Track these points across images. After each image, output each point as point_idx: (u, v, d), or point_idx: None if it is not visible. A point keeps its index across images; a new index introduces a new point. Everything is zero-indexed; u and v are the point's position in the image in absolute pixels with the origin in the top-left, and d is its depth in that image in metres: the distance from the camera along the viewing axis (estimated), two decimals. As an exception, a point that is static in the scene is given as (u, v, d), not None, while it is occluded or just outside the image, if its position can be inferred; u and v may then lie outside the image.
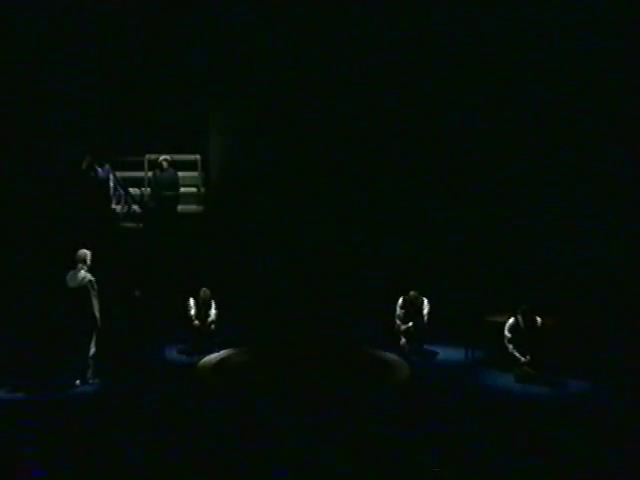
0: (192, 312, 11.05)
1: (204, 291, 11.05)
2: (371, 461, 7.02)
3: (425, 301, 10.81)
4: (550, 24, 11.78)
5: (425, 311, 10.75)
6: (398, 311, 10.87)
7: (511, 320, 9.59)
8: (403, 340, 10.69)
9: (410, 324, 10.71)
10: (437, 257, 12.30)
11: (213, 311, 11.02)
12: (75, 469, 6.85)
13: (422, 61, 12.56)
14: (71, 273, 9.35)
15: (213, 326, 10.96)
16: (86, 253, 9.38)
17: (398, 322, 10.81)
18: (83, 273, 9.27)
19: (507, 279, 11.40)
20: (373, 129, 12.92)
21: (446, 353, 10.79)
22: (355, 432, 7.78)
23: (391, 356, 10.46)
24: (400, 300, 10.88)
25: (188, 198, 13.31)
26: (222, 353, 10.65)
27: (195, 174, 13.56)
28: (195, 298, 11.08)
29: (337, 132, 12.92)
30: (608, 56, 11.34)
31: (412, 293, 10.83)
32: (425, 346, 10.80)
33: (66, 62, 12.42)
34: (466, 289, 11.52)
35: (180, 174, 13.03)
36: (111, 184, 12.40)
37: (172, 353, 10.84)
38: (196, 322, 10.91)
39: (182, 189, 13.06)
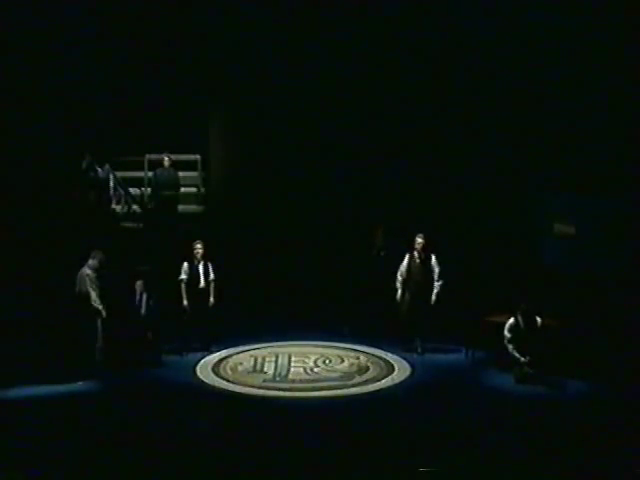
0: (183, 277, 10.44)
1: (198, 248, 10.43)
2: (371, 461, 7.03)
3: (434, 258, 10.40)
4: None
5: (436, 270, 10.34)
6: (402, 269, 10.46)
7: (511, 320, 9.56)
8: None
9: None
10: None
11: (212, 275, 10.56)
12: (75, 469, 6.86)
13: (421, 64, 12.57)
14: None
15: (212, 299, 10.52)
16: (98, 252, 9.59)
17: (400, 278, 10.49)
18: (85, 269, 9.47)
19: (507, 279, 11.39)
20: (373, 129, 12.92)
21: (446, 353, 10.77)
22: (356, 432, 7.78)
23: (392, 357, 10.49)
24: (406, 259, 10.49)
25: (188, 198, 13.31)
26: (222, 353, 10.64)
27: (195, 174, 13.56)
28: (190, 261, 10.56)
29: (337, 132, 12.91)
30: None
31: (420, 240, 10.38)
32: (425, 345, 10.70)
33: (66, 62, 12.41)
34: (466, 289, 11.49)
35: (180, 174, 13.03)
36: (111, 184, 12.40)
37: (170, 355, 10.71)
38: (185, 303, 10.44)
39: (182, 189, 13.06)
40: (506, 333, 9.52)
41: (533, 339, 9.39)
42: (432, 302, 10.46)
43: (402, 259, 10.62)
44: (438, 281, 10.51)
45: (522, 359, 9.37)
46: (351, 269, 12.21)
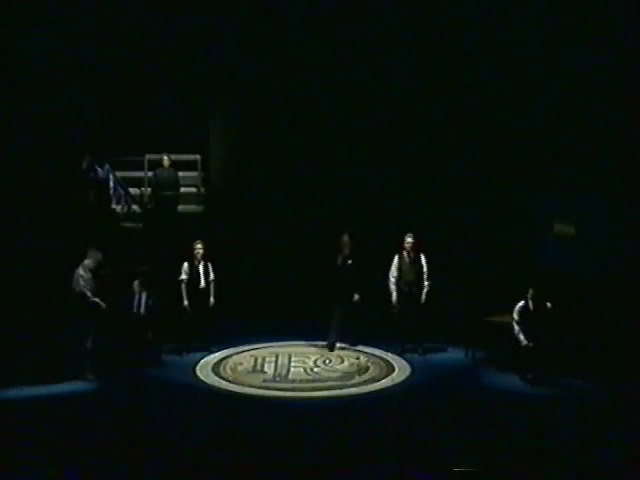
0: (183, 277, 10.52)
1: (198, 248, 10.52)
2: (371, 461, 7.03)
3: (423, 258, 10.49)
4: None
5: (425, 270, 10.43)
6: (394, 271, 10.49)
7: (522, 302, 9.49)
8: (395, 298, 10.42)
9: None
10: (436, 257, 12.26)
11: (212, 275, 10.62)
12: (74, 468, 6.85)
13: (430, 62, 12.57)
14: None
15: (212, 299, 10.61)
16: (94, 252, 9.58)
17: (393, 280, 10.53)
18: (79, 269, 9.47)
19: (507, 279, 11.37)
20: (374, 128, 12.88)
21: (446, 353, 10.77)
22: (356, 432, 7.78)
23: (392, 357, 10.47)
24: (395, 259, 10.56)
25: (188, 198, 13.30)
26: (222, 353, 10.63)
27: (195, 174, 13.56)
28: (190, 261, 10.62)
29: (337, 131, 12.89)
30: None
31: (409, 240, 10.46)
32: (425, 344, 10.70)
33: (66, 62, 12.40)
34: (466, 289, 11.49)
35: (180, 174, 13.03)
36: (111, 184, 12.40)
37: (169, 354, 10.62)
38: (185, 303, 10.49)
39: (182, 189, 13.05)
40: (515, 315, 9.46)
41: (541, 323, 9.32)
42: (422, 302, 10.50)
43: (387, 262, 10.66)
44: (427, 280, 10.55)
45: (524, 342, 9.32)
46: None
